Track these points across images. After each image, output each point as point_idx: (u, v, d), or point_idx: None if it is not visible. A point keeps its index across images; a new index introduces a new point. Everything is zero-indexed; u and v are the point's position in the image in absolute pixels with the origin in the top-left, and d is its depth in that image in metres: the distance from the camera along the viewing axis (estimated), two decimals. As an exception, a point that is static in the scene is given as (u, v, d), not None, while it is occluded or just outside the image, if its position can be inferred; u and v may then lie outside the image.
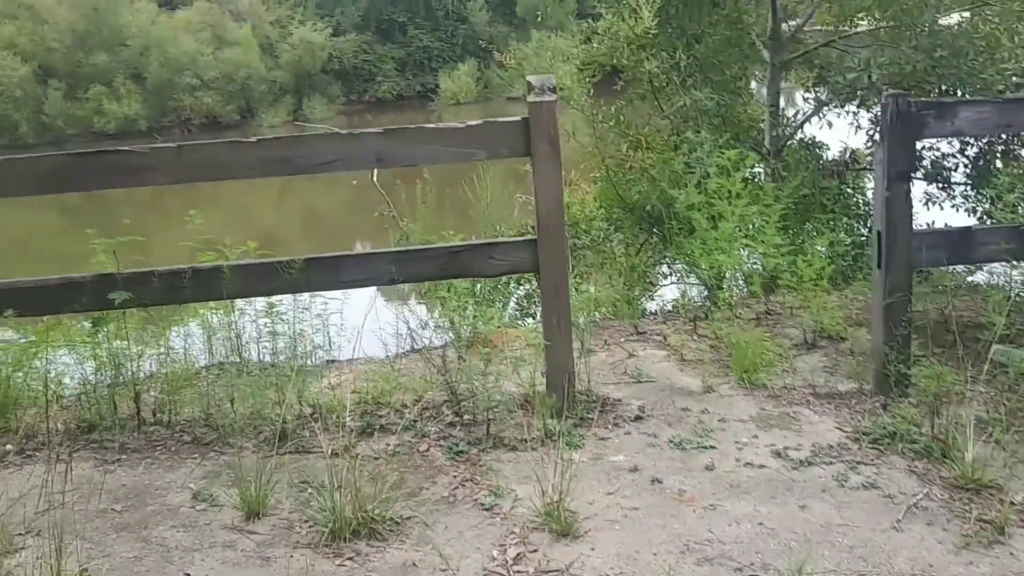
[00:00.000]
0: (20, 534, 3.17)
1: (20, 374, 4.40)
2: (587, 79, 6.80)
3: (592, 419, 3.78)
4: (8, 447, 3.93)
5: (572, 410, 3.76)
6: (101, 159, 3.72)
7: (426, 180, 5.36)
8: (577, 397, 3.86)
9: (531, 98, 3.52)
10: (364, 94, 40.97)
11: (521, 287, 6.27)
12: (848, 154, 6.77)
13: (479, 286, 5.38)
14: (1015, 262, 4.14)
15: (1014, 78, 5.70)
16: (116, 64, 36.95)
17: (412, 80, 41.43)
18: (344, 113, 39.03)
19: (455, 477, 3.43)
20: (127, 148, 3.71)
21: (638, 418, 3.85)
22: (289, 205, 18.35)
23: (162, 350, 4.28)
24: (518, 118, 3.61)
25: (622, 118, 6.66)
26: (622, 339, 4.86)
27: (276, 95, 38.56)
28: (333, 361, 4.62)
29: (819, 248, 4.90)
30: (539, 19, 11.43)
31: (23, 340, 4.67)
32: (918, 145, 5.64)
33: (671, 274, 6.60)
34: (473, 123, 3.63)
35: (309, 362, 4.24)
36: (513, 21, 39.85)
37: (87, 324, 4.48)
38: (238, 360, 4.48)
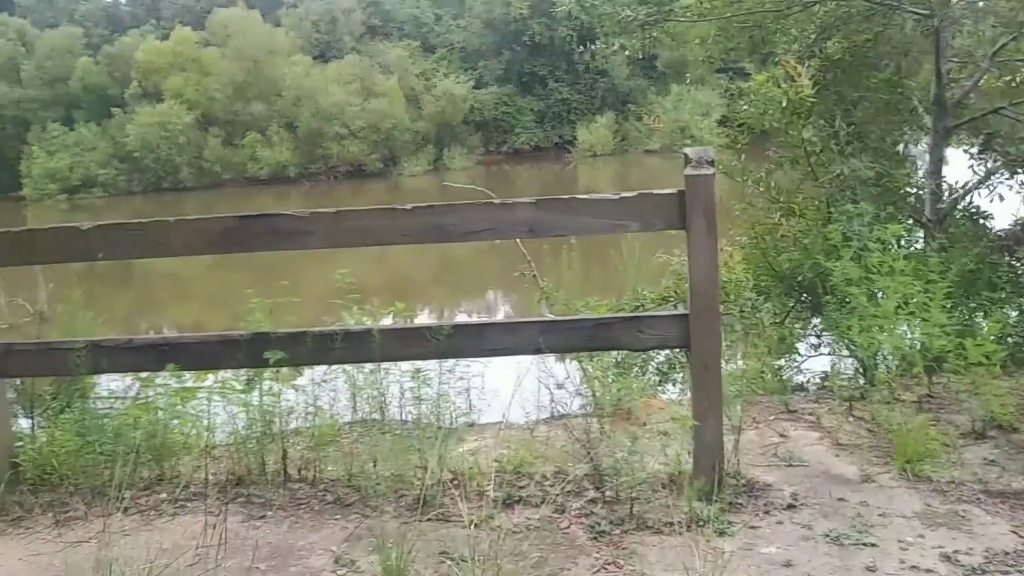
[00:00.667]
0: (168, 587, 3.24)
1: (176, 421, 4.58)
2: (737, 142, 6.67)
3: (742, 504, 3.61)
4: (163, 495, 4.07)
5: (720, 494, 3.60)
6: (265, 222, 3.85)
7: (572, 245, 5.34)
8: (726, 480, 3.69)
9: (688, 171, 3.44)
10: (502, 145, 41.78)
11: (661, 353, 6.13)
12: (1021, 227, 6.35)
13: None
14: None
15: None
16: (271, 113, 38.96)
17: (550, 132, 42.02)
18: (482, 163, 39.84)
19: (597, 559, 3.32)
20: (289, 213, 3.82)
21: (791, 506, 3.65)
22: (425, 250, 18.74)
23: (309, 407, 4.36)
24: (674, 191, 3.54)
25: (772, 184, 6.49)
26: (771, 417, 4.66)
27: (418, 145, 39.75)
28: (473, 424, 4.60)
29: (989, 328, 4.58)
30: (686, 77, 11.30)
31: (177, 386, 4.88)
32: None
33: (820, 344, 6.32)
34: (627, 195, 3.57)
35: (451, 425, 4.24)
36: (652, 75, 39.94)
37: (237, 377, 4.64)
38: (380, 419, 4.53)
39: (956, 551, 3.29)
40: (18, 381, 4.83)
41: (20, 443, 4.37)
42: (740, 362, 5.17)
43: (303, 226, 3.82)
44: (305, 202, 31.44)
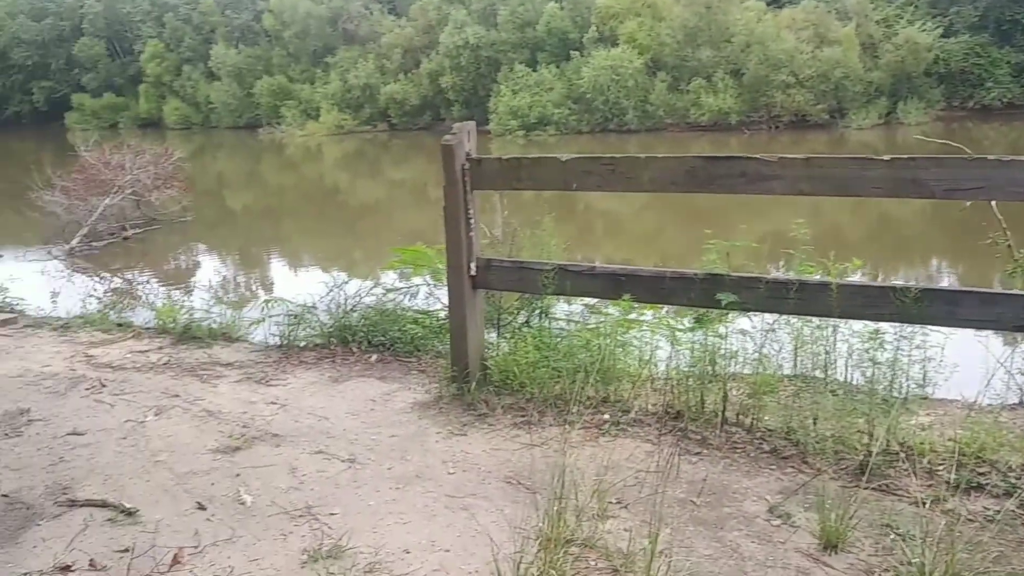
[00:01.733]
0: (612, 503, 3.45)
1: (620, 349, 4.83)
2: None
3: None
4: (607, 416, 4.33)
5: None
6: (731, 164, 3.85)
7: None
8: None
9: None
10: (968, 100, 37.55)
11: None
12: None
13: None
14: None
15: None
16: (718, 59, 38.75)
17: (1029, 87, 36.87)
18: (941, 119, 36.23)
19: (1074, 568, 2.94)
20: (756, 157, 3.78)
21: None
22: (862, 207, 17.53)
23: (753, 354, 4.34)
24: None
25: None
26: None
27: (870, 96, 37.17)
28: (926, 398, 4.26)
29: None
30: None
31: (620, 316, 5.12)
32: None
33: None
34: None
35: (902, 395, 3.97)
36: None
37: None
38: (823, 377, 4.38)
39: None
40: (493, 294, 5.38)
41: (488, 349, 4.90)
42: None
43: (770, 170, 3.76)
44: (744, 149, 31.00)
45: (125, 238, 16.48)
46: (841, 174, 3.68)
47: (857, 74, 36.81)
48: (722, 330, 4.33)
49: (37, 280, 12.78)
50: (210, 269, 15.51)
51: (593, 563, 3.02)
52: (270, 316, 6.37)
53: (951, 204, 5.89)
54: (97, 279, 13.82)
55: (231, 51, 57.50)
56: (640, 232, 18.46)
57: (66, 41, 65.90)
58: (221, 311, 7.00)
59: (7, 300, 8.05)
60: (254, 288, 13.51)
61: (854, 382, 4.18)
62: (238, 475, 3.88)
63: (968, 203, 4.40)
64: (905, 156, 3.53)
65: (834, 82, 36.59)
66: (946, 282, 13.08)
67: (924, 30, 37.31)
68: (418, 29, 50.62)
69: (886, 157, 3.54)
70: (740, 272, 4.00)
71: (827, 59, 36.47)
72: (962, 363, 4.20)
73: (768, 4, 40.59)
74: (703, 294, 3.99)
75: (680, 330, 4.57)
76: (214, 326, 6.51)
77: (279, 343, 6.08)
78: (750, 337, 4.41)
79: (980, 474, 3.54)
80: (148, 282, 13.58)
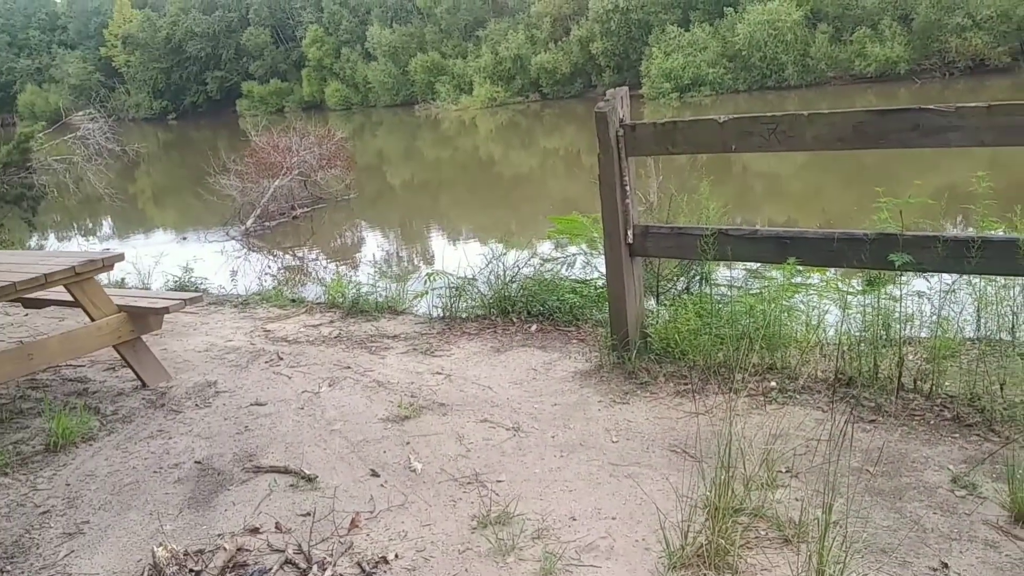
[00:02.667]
0: (781, 472, 3.36)
1: (785, 315, 4.68)
2: None
3: None
4: (773, 384, 4.21)
5: None
6: (903, 116, 3.63)
7: None
8: None
9: None
10: None
11: None
12: None
13: None
14: None
15: None
16: (884, 5, 36.69)
17: None
18: None
19: None
20: (930, 107, 3.55)
21: None
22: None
23: (931, 316, 4.11)
24: None
25: None
26: None
27: (1059, 34, 34.23)
28: None
29: None
30: None
31: (784, 281, 4.95)
32: None
33: None
34: None
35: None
36: None
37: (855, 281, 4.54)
38: (1010, 339, 4.11)
39: None
40: (651, 261, 5.32)
41: (648, 317, 4.85)
42: None
43: (948, 121, 3.52)
44: (914, 99, 29.24)
45: (294, 217, 17.28)
46: (1029, 122, 3.40)
47: (1044, 11, 33.95)
48: (896, 292, 4.12)
49: (218, 260, 13.61)
50: (374, 244, 16.06)
51: (764, 533, 2.95)
52: (433, 289, 6.54)
53: None
54: (271, 257, 14.57)
55: (386, 31, 59.10)
56: (802, 192, 17.75)
57: (234, 32, 69.61)
58: (386, 285, 7.23)
59: (193, 279, 8.61)
60: (416, 261, 13.88)
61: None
62: (408, 443, 4.02)
63: None
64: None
65: (1017, 22, 33.89)
66: None
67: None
68: (567, -4, 50.38)
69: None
70: (914, 231, 3.78)
71: (1008, -3, 33.81)
72: None
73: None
74: (874, 255, 3.80)
75: (851, 293, 4.37)
76: (380, 300, 6.74)
77: (442, 315, 6.24)
78: (927, 299, 4.18)
79: None
80: (317, 259, 14.20)
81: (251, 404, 4.72)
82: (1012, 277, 3.83)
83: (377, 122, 52.05)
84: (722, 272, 5.84)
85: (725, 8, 41.75)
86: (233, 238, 15.93)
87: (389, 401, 4.59)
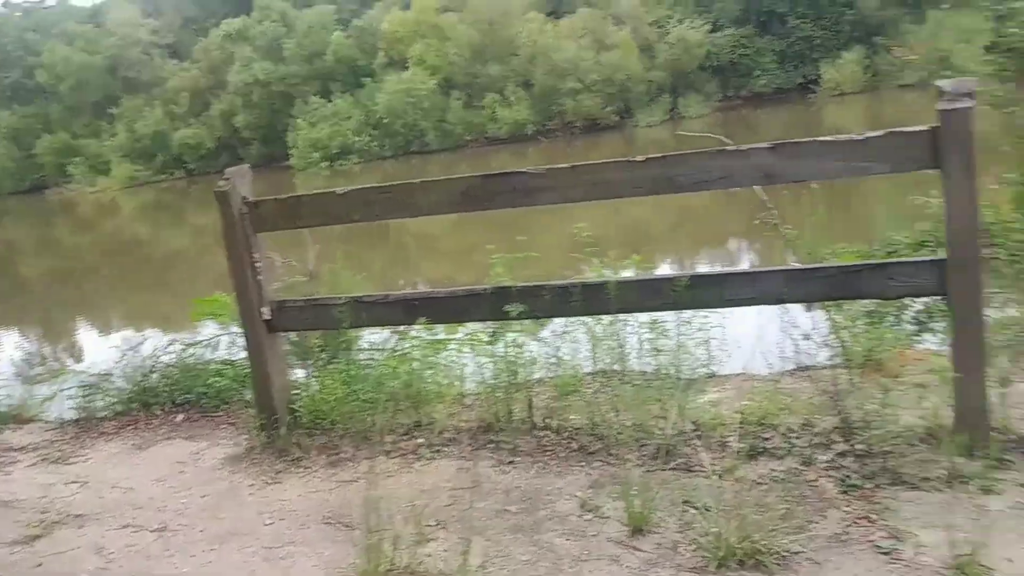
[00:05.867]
0: (430, 525, 3.49)
1: (429, 371, 4.88)
2: (1006, 70, 6.05)
3: (1011, 462, 3.35)
4: (421, 440, 4.37)
5: (986, 449, 3.36)
6: (505, 180, 3.98)
7: (813, 190, 5.10)
8: (992, 434, 3.44)
9: (942, 105, 3.18)
10: (741, 90, 40.24)
11: (918, 301, 5.73)
12: None
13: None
14: None
15: None
16: (507, 73, 39.78)
17: (792, 72, 39.86)
18: (720, 110, 38.62)
19: (847, 513, 3.21)
20: (525, 171, 3.93)
21: (1071, 465, 3.34)
22: (663, 201, 18.40)
23: (552, 358, 4.49)
24: (925, 128, 3.29)
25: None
26: (1046, 367, 4.26)
27: (653, 95, 39.16)
28: (713, 375, 4.56)
29: None
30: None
31: (430, 338, 5.18)
32: None
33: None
34: (872, 135, 3.36)
35: (690, 376, 4.22)
36: (907, 1, 36.77)
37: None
38: (620, 370, 4.60)
39: None
40: (292, 335, 5.30)
41: (296, 391, 4.83)
42: (1011, 310, 4.76)
43: (541, 182, 3.91)
44: (542, 158, 31.93)
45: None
46: (605, 179, 3.88)
47: (638, 75, 38.72)
48: (522, 339, 4.46)
49: None
50: (10, 346, 14.44)
51: (414, 589, 3.04)
52: (62, 390, 6.03)
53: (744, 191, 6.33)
54: None
55: (3, 112, 53.85)
56: (455, 248, 18.62)
57: None
58: (9, 392, 6.54)
59: None
60: (62, 359, 12.69)
61: (647, 371, 4.40)
62: (40, 565, 3.66)
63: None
64: (657, 156, 3.76)
65: (618, 84, 38.33)
66: (746, 264, 13.93)
67: (693, 28, 39.70)
68: (204, 70, 49.22)
69: (640, 158, 3.77)
70: (524, 283, 4.13)
71: (608, 63, 38.17)
72: (742, 339, 4.53)
73: (547, 15, 41.99)
74: (494, 308, 4.10)
75: (479, 344, 4.67)
76: (3, 410, 6.08)
77: (76, 417, 5.76)
78: (546, 342, 4.57)
79: (765, 439, 3.81)
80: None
81: None
82: (617, 314, 4.29)
83: (2, 211, 47.07)
84: (372, 336, 5.96)
85: (363, 78, 42.97)
86: None
87: (16, 521, 4.15)
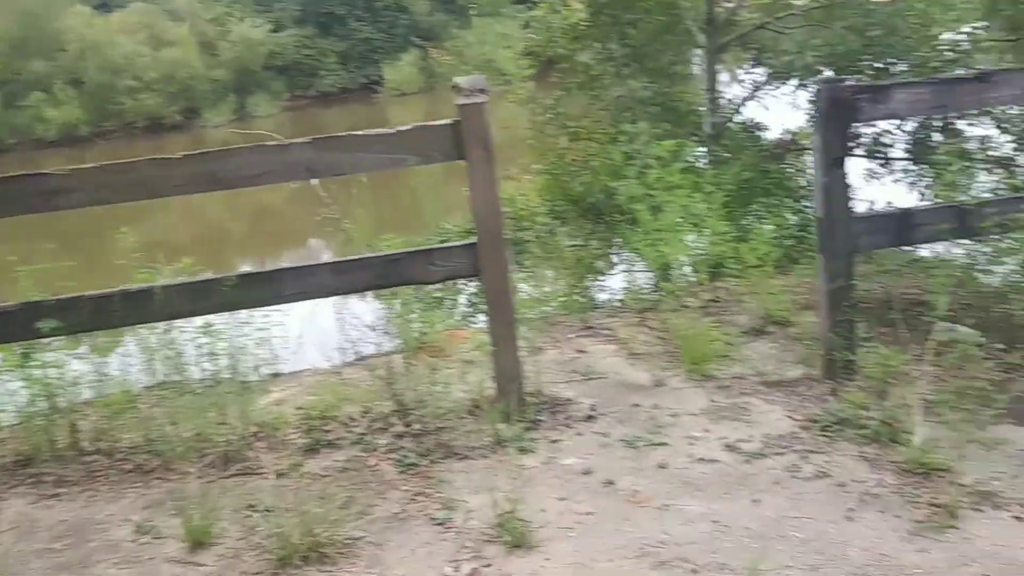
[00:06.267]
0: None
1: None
2: (525, 69, 6.72)
3: (543, 421, 3.74)
4: (-57, 484, 3.79)
5: (522, 413, 3.71)
6: (23, 183, 3.59)
7: (361, 183, 5.25)
8: (527, 399, 3.80)
9: (460, 100, 3.44)
10: (308, 89, 40.48)
11: (471, 285, 6.18)
12: (788, 135, 6.76)
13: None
14: (956, 241, 4.15)
15: (948, 53, 5.71)
16: (54, 70, 36.17)
17: (356, 73, 40.94)
18: (289, 109, 38.55)
19: (406, 492, 3.36)
20: (45, 172, 3.57)
21: (589, 417, 3.80)
22: (239, 201, 17.91)
23: (97, 375, 4.14)
24: (448, 121, 3.53)
25: (561, 110, 6.60)
26: (571, 335, 4.81)
27: (219, 94, 37.95)
28: (278, 375, 4.51)
29: (765, 232, 4.88)
30: (473, 7, 11.23)
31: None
32: (855, 126, 5.64)
33: (619, 263, 6.56)
34: (403, 128, 3.54)
35: (251, 378, 4.13)
36: (454, 8, 39.48)
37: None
38: (179, 380, 4.37)
39: (738, 440, 3.55)
40: None
41: None
42: (538, 285, 5.30)
43: (67, 184, 3.58)
44: (102, 160, 29.43)
45: None
46: (142, 177, 3.65)
47: (201, 73, 37.29)
48: (57, 359, 4.04)
49: None
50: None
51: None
52: None
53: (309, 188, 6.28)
54: None
55: None
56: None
57: None
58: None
59: None
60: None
61: (206, 377, 4.22)
62: None
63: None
64: (197, 152, 3.63)
65: (181, 83, 36.60)
66: (326, 257, 13.98)
67: (255, 26, 39.09)
68: None
69: (179, 155, 3.60)
70: (59, 295, 3.75)
71: (168, 60, 36.32)
72: (306, 335, 4.53)
73: (96, 8, 38.84)
74: (24, 327, 3.67)
75: (11, 368, 4.15)
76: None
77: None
78: (89, 359, 4.21)
79: (327, 432, 3.85)
80: None
81: None
82: (165, 322, 4.05)
83: None
84: None
85: None
86: None
87: None
